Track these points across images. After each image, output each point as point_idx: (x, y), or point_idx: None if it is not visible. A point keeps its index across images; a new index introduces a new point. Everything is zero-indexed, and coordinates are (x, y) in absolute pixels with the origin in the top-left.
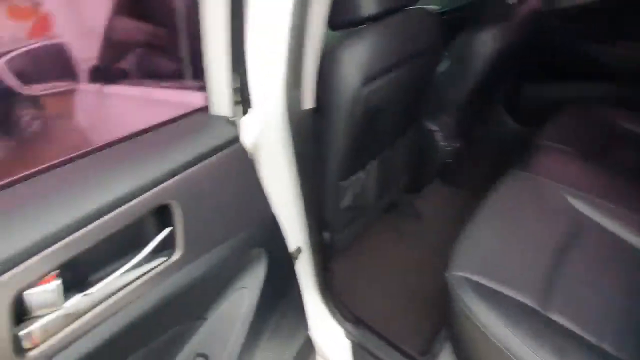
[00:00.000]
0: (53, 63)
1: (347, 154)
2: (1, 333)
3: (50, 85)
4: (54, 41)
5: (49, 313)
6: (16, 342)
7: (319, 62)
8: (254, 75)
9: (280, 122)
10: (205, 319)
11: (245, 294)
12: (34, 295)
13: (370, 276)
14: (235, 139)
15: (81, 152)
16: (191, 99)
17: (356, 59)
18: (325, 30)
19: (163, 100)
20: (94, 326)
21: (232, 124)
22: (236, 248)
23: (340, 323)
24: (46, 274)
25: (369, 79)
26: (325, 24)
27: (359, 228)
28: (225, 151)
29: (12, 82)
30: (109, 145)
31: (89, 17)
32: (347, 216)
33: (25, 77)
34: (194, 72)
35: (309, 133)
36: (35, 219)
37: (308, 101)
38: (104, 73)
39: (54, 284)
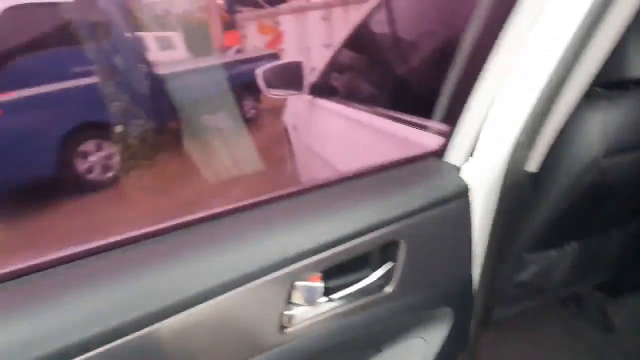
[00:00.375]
0: (290, 76)
1: (548, 226)
2: (277, 310)
3: (283, 92)
4: (295, 60)
5: (307, 305)
6: (281, 319)
7: (562, 125)
8: (488, 126)
9: (497, 179)
10: (379, 350)
11: (421, 344)
12: (302, 287)
13: None
14: (464, 193)
15: (327, 180)
16: (424, 138)
17: (604, 126)
18: (585, 90)
19: (394, 132)
20: (325, 324)
21: (462, 175)
22: (430, 297)
23: None
24: (312, 274)
25: (612, 152)
26: (589, 83)
27: (526, 311)
28: (453, 203)
29: (261, 85)
30: (351, 177)
31: (326, 37)
32: (518, 292)
33: (269, 83)
34: (433, 113)
35: (520, 196)
36: (312, 229)
37: (533, 163)
38: (338, 91)
39: (320, 284)
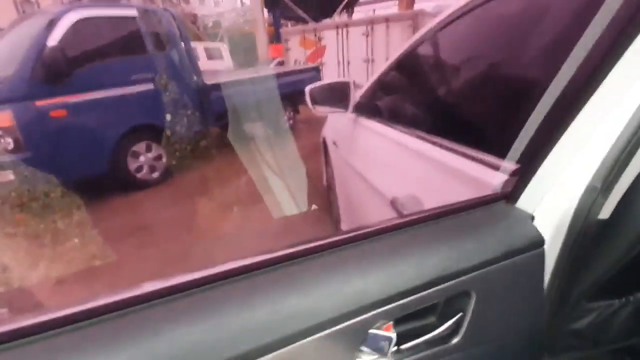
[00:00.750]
0: (338, 94)
1: (613, 275)
2: (350, 358)
3: (328, 109)
4: (344, 80)
5: (379, 354)
6: None
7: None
8: (562, 170)
9: (568, 226)
10: None
11: None
12: (375, 336)
13: None
14: (539, 245)
15: (397, 223)
16: (488, 174)
17: None
18: None
19: (453, 164)
20: None
21: (536, 224)
22: (497, 349)
23: None
24: (385, 323)
25: None
26: None
27: None
28: (527, 254)
29: (308, 101)
30: (420, 220)
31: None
32: (572, 342)
33: (315, 99)
34: (501, 150)
35: (589, 243)
36: (386, 277)
37: (606, 210)
38: (387, 112)
39: (392, 333)
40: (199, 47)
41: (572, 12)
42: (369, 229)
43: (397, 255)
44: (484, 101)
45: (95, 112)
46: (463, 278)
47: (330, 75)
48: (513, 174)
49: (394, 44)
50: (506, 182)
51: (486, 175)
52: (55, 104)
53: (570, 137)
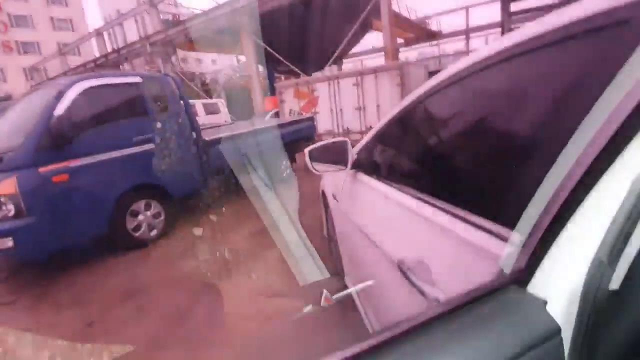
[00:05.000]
0: (336, 152)
1: (626, 345)
2: None
3: (326, 168)
4: (342, 139)
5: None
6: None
7: None
8: (568, 247)
9: (579, 303)
10: None
11: None
12: None
13: None
14: (557, 334)
15: (413, 323)
16: (491, 244)
17: None
18: None
19: (452, 229)
20: None
21: (550, 310)
22: None
23: None
24: None
25: None
26: None
27: None
28: (545, 345)
29: (307, 161)
30: (434, 317)
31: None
32: None
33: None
34: (511, 220)
35: (601, 315)
36: None
37: (616, 281)
38: (385, 169)
39: None
40: (197, 104)
41: (586, 74)
42: (376, 339)
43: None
44: (492, 166)
45: (95, 175)
46: None
47: (324, 122)
48: (522, 251)
49: (383, 92)
50: (516, 259)
51: (494, 247)
52: (57, 169)
53: (582, 215)
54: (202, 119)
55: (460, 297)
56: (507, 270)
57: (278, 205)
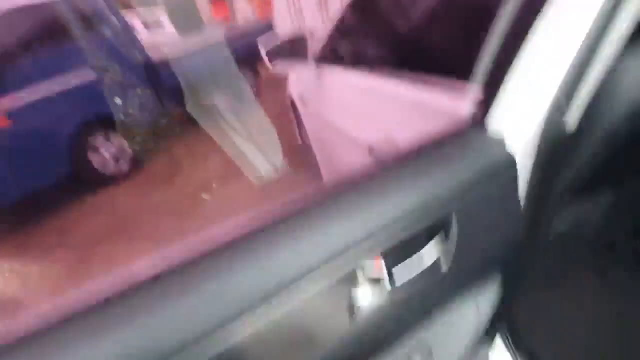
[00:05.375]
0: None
1: (584, 179)
2: (343, 297)
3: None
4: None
5: (371, 288)
6: (348, 306)
7: (602, 78)
8: (526, 90)
9: (538, 143)
10: (431, 319)
11: (474, 310)
12: (364, 271)
13: (560, 322)
14: (512, 165)
15: (379, 166)
16: (455, 101)
17: None
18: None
19: (420, 97)
20: (388, 302)
21: (508, 147)
22: (483, 266)
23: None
24: (373, 257)
25: None
26: (632, 31)
27: (565, 263)
28: (502, 176)
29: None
30: (399, 160)
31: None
32: (557, 245)
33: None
34: (465, 76)
35: (559, 154)
36: (367, 213)
37: (572, 122)
38: (349, 57)
39: (382, 268)
40: (133, 19)
41: None
42: (347, 181)
43: (379, 196)
44: (446, 28)
45: (39, 116)
46: (443, 205)
47: (284, 26)
48: (482, 99)
49: None
50: (469, 106)
51: (458, 103)
52: None
53: (527, 56)
54: (144, 36)
55: (425, 141)
56: (469, 116)
57: (244, 119)
